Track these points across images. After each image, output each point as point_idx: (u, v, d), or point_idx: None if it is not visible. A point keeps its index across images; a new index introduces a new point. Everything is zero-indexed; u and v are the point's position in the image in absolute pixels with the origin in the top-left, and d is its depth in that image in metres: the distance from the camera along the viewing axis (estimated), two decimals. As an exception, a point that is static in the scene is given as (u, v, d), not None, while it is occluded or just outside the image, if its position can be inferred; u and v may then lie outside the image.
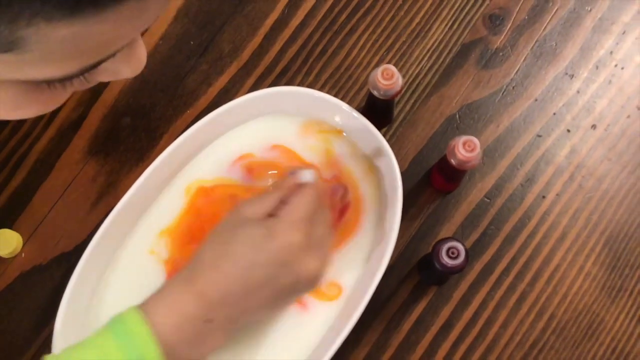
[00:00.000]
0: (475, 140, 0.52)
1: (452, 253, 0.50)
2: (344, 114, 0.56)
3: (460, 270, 0.50)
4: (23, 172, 0.60)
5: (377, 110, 0.59)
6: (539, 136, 0.62)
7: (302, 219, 0.46)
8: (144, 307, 0.43)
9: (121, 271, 0.54)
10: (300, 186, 0.48)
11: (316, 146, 0.58)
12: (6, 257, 0.57)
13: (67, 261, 0.57)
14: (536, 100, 0.63)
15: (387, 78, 0.53)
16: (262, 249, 0.45)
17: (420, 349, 0.56)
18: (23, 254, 0.57)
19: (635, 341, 0.57)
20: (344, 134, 0.58)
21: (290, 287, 0.46)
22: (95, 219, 0.58)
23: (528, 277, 0.58)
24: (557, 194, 0.61)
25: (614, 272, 0.59)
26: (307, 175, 0.49)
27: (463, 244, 0.50)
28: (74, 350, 0.42)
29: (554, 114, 0.63)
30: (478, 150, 0.52)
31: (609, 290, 0.58)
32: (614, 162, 0.61)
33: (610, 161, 0.62)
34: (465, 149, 0.52)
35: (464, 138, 0.52)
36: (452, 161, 0.53)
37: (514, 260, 0.59)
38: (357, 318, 0.50)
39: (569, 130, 0.62)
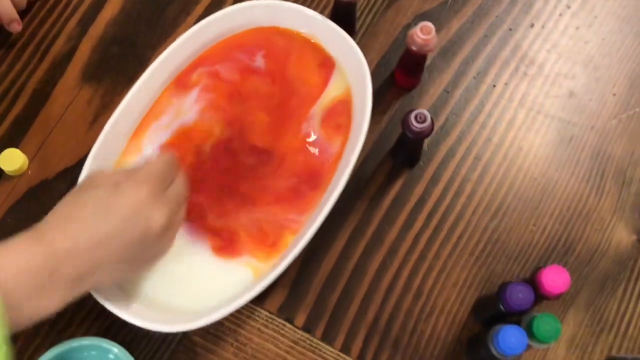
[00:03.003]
0: (431, 24, 0.57)
1: (420, 118, 0.54)
2: (316, 22, 0.61)
3: (428, 134, 0.55)
4: (23, 100, 0.63)
5: (342, 20, 0.64)
6: (486, 36, 0.68)
7: (148, 178, 0.47)
8: None
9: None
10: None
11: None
12: (14, 174, 0.59)
13: (72, 173, 0.60)
14: (480, 6, 0.69)
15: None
16: (108, 205, 0.45)
17: (399, 222, 0.61)
18: (30, 172, 0.60)
19: (586, 200, 0.63)
20: (312, 40, 0.62)
21: (140, 241, 0.46)
22: (94, 136, 0.61)
23: (488, 154, 0.64)
24: (505, 83, 0.66)
25: (562, 143, 0.64)
26: (148, 150, 0.54)
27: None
28: None
29: (497, 16, 0.69)
30: (433, 33, 0.57)
31: (559, 158, 0.64)
32: (551, 51, 0.67)
33: (549, 52, 0.68)
34: (423, 33, 0.57)
35: (421, 24, 0.57)
36: (413, 47, 0.58)
37: (474, 142, 0.64)
38: (337, 197, 0.54)
39: (510, 29, 0.68)
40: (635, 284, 0.60)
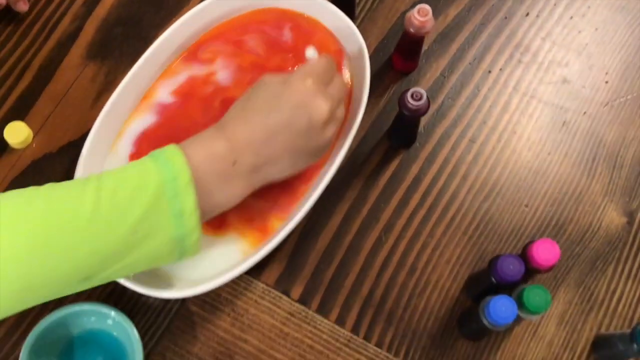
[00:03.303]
0: (427, 6, 0.58)
1: (416, 96, 0.56)
2: (317, 5, 0.62)
3: (424, 112, 0.56)
4: (29, 76, 0.64)
5: (342, 5, 0.65)
6: (482, 24, 0.69)
7: (313, 72, 0.51)
8: (181, 144, 0.48)
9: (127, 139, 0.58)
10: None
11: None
12: (18, 147, 0.61)
13: (75, 147, 0.61)
14: (476, -6, 0.70)
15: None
16: (278, 96, 0.50)
17: (394, 200, 0.62)
18: (34, 145, 0.61)
19: (578, 182, 0.64)
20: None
21: (306, 130, 0.49)
22: (97, 112, 0.62)
23: (482, 137, 0.65)
24: (500, 69, 0.68)
25: (555, 127, 0.66)
26: (310, 52, 0.57)
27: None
28: (116, 169, 0.46)
29: (493, 5, 0.70)
30: (430, 15, 0.58)
31: (552, 142, 0.65)
32: (545, 40, 0.69)
33: (543, 40, 0.69)
34: (420, 15, 0.58)
35: (418, 6, 0.58)
36: (411, 29, 0.59)
37: (469, 125, 0.65)
38: (334, 172, 0.55)
39: (506, 17, 0.70)
40: (625, 264, 0.61)
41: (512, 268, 0.51)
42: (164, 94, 0.60)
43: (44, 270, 0.42)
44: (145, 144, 0.58)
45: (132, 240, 0.44)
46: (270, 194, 0.56)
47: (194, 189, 0.45)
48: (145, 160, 0.46)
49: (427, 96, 0.56)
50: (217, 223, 0.56)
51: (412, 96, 0.56)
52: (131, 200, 0.44)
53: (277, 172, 0.51)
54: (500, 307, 0.50)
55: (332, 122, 0.52)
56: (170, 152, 0.47)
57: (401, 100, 0.57)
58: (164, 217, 0.44)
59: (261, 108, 0.50)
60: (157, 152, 0.47)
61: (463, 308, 0.58)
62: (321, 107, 0.50)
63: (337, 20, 0.62)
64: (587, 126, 0.66)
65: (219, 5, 0.62)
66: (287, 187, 0.57)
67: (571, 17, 0.70)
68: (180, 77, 0.61)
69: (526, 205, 0.62)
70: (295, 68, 0.60)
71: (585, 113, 0.66)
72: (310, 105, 0.49)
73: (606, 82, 0.68)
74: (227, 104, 0.55)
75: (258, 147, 0.49)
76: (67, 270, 0.43)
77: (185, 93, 0.60)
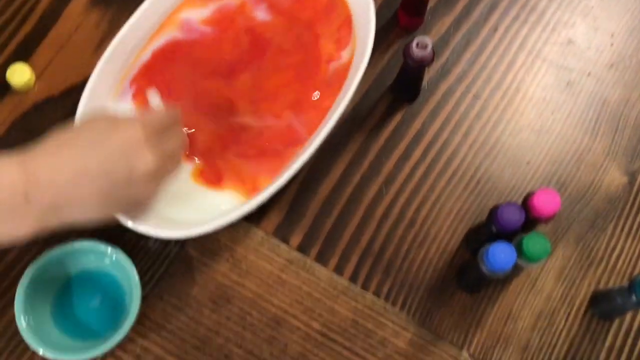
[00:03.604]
0: (434, -43, 0.57)
1: (421, 45, 0.55)
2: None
3: (429, 62, 0.56)
4: (33, 20, 0.63)
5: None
6: (488, -18, 0.68)
7: (148, 122, 0.46)
8: None
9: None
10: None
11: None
12: (20, 89, 0.60)
13: (77, 92, 0.60)
14: (484, -46, 0.69)
15: None
16: (102, 137, 0.44)
17: (396, 154, 0.61)
18: (36, 88, 0.61)
19: (580, 142, 0.63)
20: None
21: (124, 181, 0.44)
22: (99, 58, 0.62)
23: (486, 93, 0.64)
24: (506, 28, 0.67)
25: (559, 86, 0.65)
26: (152, 98, 0.53)
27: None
28: None
29: (500, -36, 0.69)
30: (437, -34, 0.58)
31: (556, 101, 0.64)
32: (552, 0, 0.68)
33: (550, 1, 0.68)
34: (426, -36, 0.57)
35: (424, -42, 0.57)
36: (416, -21, 0.58)
37: (473, 81, 0.65)
38: (334, 122, 0.54)
39: (513, -23, 0.69)
40: (625, 221, 0.60)
41: (512, 215, 0.51)
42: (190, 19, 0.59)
43: None
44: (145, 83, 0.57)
45: None
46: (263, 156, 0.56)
47: None
48: None
49: (432, 46, 0.56)
50: (214, 178, 0.56)
51: (417, 45, 0.55)
52: None
53: (80, 215, 0.45)
54: (500, 254, 0.49)
55: (156, 178, 0.46)
56: None
57: (406, 50, 0.56)
58: None
59: (80, 145, 0.44)
60: None
61: (462, 261, 0.58)
62: (146, 160, 0.44)
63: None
64: (591, 87, 0.65)
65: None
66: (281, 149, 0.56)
67: (578, -21, 0.69)
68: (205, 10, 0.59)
69: (528, 163, 0.62)
70: None
71: (589, 74, 0.66)
72: (135, 156, 0.44)
73: (611, 44, 0.67)
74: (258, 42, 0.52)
75: (61, 186, 0.42)
76: None
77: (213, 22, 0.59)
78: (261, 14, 0.61)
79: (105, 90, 0.57)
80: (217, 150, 0.56)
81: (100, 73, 0.56)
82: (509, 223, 0.51)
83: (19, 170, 0.41)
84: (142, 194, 0.47)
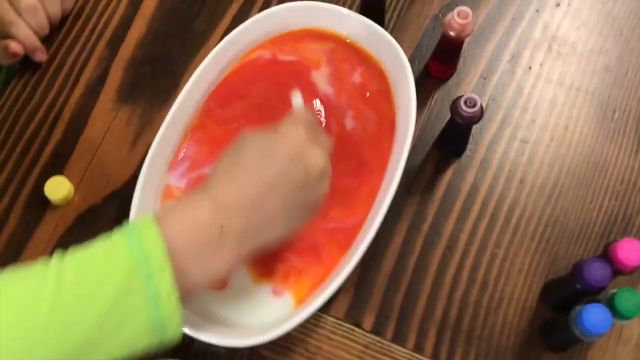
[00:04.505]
0: (467, 8, 0.54)
1: (470, 103, 0.52)
2: (350, 20, 0.58)
3: (479, 119, 0.52)
4: (61, 127, 0.60)
5: (372, 17, 0.61)
6: (514, 19, 0.65)
7: (302, 122, 0.45)
8: (159, 214, 0.40)
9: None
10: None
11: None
12: (60, 203, 0.56)
13: (120, 197, 0.57)
14: (504, -10, 0.66)
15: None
16: (269, 148, 0.43)
17: (454, 213, 0.58)
18: (76, 199, 0.57)
19: (638, 171, 0.60)
20: (348, 40, 0.60)
21: (302, 184, 0.43)
22: (137, 156, 0.59)
23: (534, 136, 0.61)
24: (540, 64, 0.64)
25: (606, 117, 0.62)
26: (296, 98, 0.49)
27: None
28: (82, 249, 0.39)
29: (523, -1, 0.66)
30: (470, 17, 0.54)
31: (606, 133, 0.61)
32: (581, 28, 0.65)
33: (578, 29, 0.65)
34: (460, 17, 0.54)
35: (457, 9, 0.54)
36: (451, 33, 0.55)
37: (517, 125, 0.61)
38: (393, 194, 0.51)
39: (537, 10, 0.66)
40: (701, 251, 0.57)
41: (599, 273, 0.47)
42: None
43: None
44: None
45: (101, 333, 0.36)
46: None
47: (170, 268, 0.37)
48: (115, 236, 0.39)
49: (481, 102, 0.53)
50: (273, 276, 0.52)
51: (465, 103, 0.52)
52: (97, 287, 0.36)
53: (270, 235, 0.44)
54: (595, 317, 0.46)
55: (326, 174, 0.45)
56: (143, 225, 0.39)
57: (454, 109, 0.53)
58: (137, 303, 0.37)
59: (252, 164, 0.43)
60: (129, 226, 0.39)
61: (543, 318, 0.54)
62: (317, 156, 0.44)
63: (372, 35, 0.58)
64: (638, 111, 0.62)
65: (247, 33, 0.58)
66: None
67: (603, 3, 0.66)
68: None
69: (590, 203, 0.58)
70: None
71: (634, 98, 0.62)
72: (306, 155, 0.43)
73: (648, 64, 0.64)
74: None
75: (250, 209, 0.42)
76: None
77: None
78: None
79: (154, 191, 0.54)
80: (275, 249, 0.53)
81: (146, 178, 0.52)
82: (596, 281, 0.47)
83: (208, 206, 0.41)
84: (319, 193, 0.45)
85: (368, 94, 0.58)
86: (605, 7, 0.66)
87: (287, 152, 0.43)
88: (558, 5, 0.66)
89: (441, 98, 0.62)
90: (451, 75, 0.63)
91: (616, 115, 0.62)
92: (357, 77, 0.58)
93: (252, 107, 0.57)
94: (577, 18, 0.65)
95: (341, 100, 0.58)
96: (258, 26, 0.58)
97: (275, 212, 0.43)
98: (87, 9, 0.65)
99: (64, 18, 0.64)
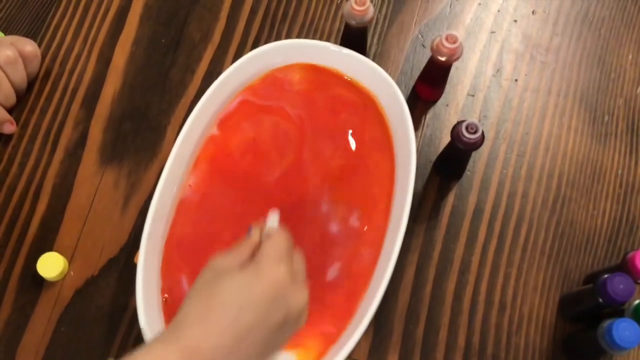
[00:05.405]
0: (456, 33, 0.54)
1: (471, 129, 0.51)
2: (337, 55, 0.57)
3: (480, 144, 0.52)
4: (45, 199, 0.56)
5: (354, 46, 0.60)
6: (493, 32, 0.65)
7: (282, 256, 0.42)
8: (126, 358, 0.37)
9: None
10: (269, 234, 0.44)
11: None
12: (56, 279, 0.53)
13: (117, 265, 0.54)
14: (479, 4, 0.66)
15: (360, 4, 0.54)
16: (249, 291, 0.40)
17: (462, 237, 0.57)
18: (72, 272, 0.54)
19: (634, 172, 0.60)
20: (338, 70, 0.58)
21: (280, 324, 0.41)
22: (129, 219, 0.56)
23: (529, 150, 0.60)
24: (525, 75, 0.64)
25: (597, 122, 0.62)
26: (272, 219, 0.46)
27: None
28: None
29: (498, 10, 0.66)
30: (460, 41, 0.54)
31: (598, 137, 0.61)
32: (560, 35, 0.65)
33: (558, 35, 0.65)
34: (449, 42, 0.53)
35: (445, 34, 0.53)
36: (441, 58, 0.54)
37: (512, 140, 0.61)
38: (402, 236, 0.50)
39: (515, 21, 0.66)
40: None
41: (622, 287, 0.47)
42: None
43: None
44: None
45: None
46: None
47: None
48: None
49: (482, 128, 0.52)
50: None
51: (467, 129, 0.51)
52: None
53: None
54: (624, 332, 0.45)
55: (305, 309, 0.43)
56: None
57: (455, 135, 0.52)
58: None
59: (230, 306, 0.40)
60: None
61: (564, 333, 0.54)
62: (298, 297, 0.42)
63: (359, 66, 0.57)
64: (626, 113, 0.62)
65: (237, 74, 0.56)
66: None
67: (578, 7, 0.66)
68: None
69: (594, 209, 0.58)
70: None
71: (620, 99, 0.63)
72: (288, 297, 0.41)
73: (631, 64, 0.64)
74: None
75: (227, 353, 0.39)
76: None
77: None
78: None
79: (157, 255, 0.51)
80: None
81: (147, 248, 0.50)
82: (620, 296, 0.47)
83: (177, 356, 0.38)
84: (297, 327, 0.44)
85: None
86: (581, 10, 0.66)
87: (268, 295, 0.40)
88: (534, 12, 0.66)
89: (432, 121, 0.61)
90: (440, 96, 0.62)
91: (606, 118, 0.62)
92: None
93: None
94: (555, 24, 0.66)
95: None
96: (241, 70, 0.56)
97: (252, 351, 0.40)
98: (55, 68, 0.62)
99: (32, 82, 0.60)
